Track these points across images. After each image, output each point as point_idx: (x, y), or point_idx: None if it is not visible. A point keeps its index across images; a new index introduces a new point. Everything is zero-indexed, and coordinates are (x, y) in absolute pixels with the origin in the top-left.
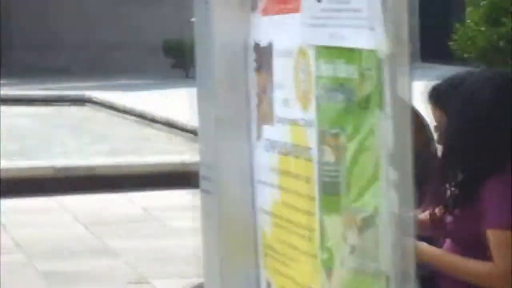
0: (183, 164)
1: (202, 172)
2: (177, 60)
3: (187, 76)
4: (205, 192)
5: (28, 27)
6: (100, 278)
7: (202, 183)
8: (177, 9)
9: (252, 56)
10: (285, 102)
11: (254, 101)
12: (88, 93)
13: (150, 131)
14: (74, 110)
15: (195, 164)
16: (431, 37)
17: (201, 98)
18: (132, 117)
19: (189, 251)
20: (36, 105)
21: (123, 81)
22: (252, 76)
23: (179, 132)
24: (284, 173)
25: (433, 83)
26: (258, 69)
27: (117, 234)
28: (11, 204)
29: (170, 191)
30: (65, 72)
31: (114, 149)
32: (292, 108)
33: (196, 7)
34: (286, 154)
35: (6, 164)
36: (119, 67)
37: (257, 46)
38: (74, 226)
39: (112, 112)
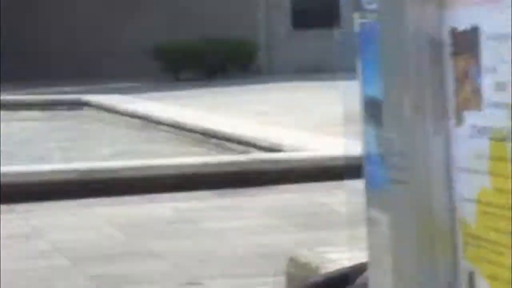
0: (206, 165)
1: (393, 162)
2: (167, 64)
3: (177, 79)
4: (397, 182)
5: (17, 33)
6: (150, 280)
7: (393, 173)
8: (167, 14)
9: (447, 41)
10: (499, 85)
11: (451, 87)
12: (86, 97)
13: (157, 134)
14: (71, 114)
15: (218, 164)
16: None
17: (389, 86)
18: (135, 120)
19: (231, 251)
20: (34, 109)
21: (113, 85)
22: (448, 61)
23: (187, 133)
24: (497, 159)
25: None
26: (456, 54)
27: (153, 236)
28: (40, 208)
29: (195, 192)
30: (54, 78)
31: (129, 151)
32: (509, 92)
33: None
34: (501, 139)
35: (29, 168)
36: (108, 72)
37: (454, 31)
38: (109, 229)
39: (114, 115)
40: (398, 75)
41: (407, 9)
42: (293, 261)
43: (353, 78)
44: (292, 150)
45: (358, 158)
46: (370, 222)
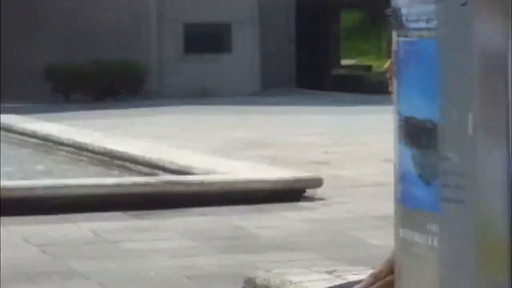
0: (120, 186)
1: (451, 181)
2: (58, 85)
3: (67, 101)
4: (455, 202)
5: None
6: None
7: (450, 192)
8: (60, 35)
9: None
10: None
11: None
12: None
13: (59, 154)
14: None
15: (132, 186)
16: None
17: (448, 105)
18: (34, 140)
19: (157, 273)
20: None
21: (6, 105)
22: None
23: (89, 154)
24: None
25: None
26: None
27: (74, 256)
28: None
29: (109, 213)
30: None
31: (36, 171)
32: None
33: (444, 8)
34: None
35: None
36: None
37: None
38: (28, 248)
39: (13, 135)
40: (461, 93)
41: (474, 27)
42: (250, 283)
43: (244, 102)
44: (203, 173)
45: (271, 182)
46: (405, 243)
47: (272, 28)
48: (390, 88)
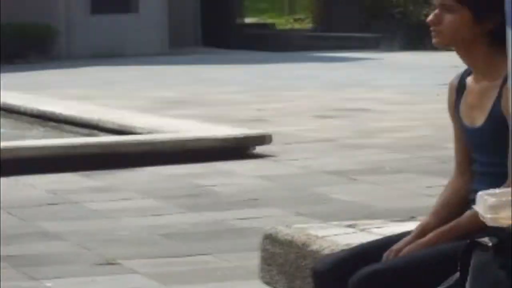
0: (73, 147)
1: None
2: None
3: None
4: None
5: None
6: (62, 261)
7: None
8: None
9: None
10: None
11: None
12: None
13: None
14: None
15: (85, 146)
16: None
17: None
18: None
19: (133, 232)
20: None
21: None
22: None
23: (21, 116)
24: None
25: None
26: None
27: (42, 217)
28: None
29: (61, 174)
30: None
31: None
32: None
33: None
34: None
35: None
36: None
37: None
38: None
39: None
40: None
41: None
42: (272, 238)
43: (154, 62)
44: (147, 133)
45: (220, 139)
46: None
47: None
48: (433, 40)
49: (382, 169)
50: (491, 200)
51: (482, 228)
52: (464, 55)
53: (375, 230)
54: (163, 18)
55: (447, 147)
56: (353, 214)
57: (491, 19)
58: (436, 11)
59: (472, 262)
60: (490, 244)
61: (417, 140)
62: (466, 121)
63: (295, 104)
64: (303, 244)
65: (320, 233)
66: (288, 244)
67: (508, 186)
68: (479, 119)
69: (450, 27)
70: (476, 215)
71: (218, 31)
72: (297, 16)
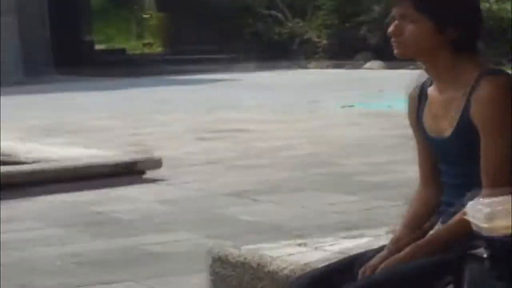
0: None
1: None
2: None
3: None
4: None
5: None
6: None
7: None
8: None
9: None
10: None
11: None
12: None
13: None
14: None
15: None
16: None
17: None
18: None
19: (47, 262)
20: None
21: None
22: None
23: None
24: None
25: None
26: None
27: None
28: None
29: None
30: None
31: None
32: None
33: None
34: None
35: None
36: None
37: None
38: None
39: None
40: None
41: None
42: (222, 261)
43: (13, 92)
44: (34, 161)
45: (111, 165)
46: None
47: (30, 15)
48: (395, 52)
49: (280, 188)
50: (487, 210)
51: (460, 240)
52: (427, 65)
53: (328, 247)
54: (16, 49)
55: (338, 163)
56: (266, 234)
57: (453, 28)
58: (396, 22)
59: (467, 275)
60: (485, 255)
61: (306, 157)
62: (432, 133)
63: (172, 127)
64: (258, 265)
65: (274, 253)
66: (241, 266)
67: (485, 196)
68: (446, 130)
69: (412, 38)
70: (453, 227)
71: (70, 59)
72: (146, 41)
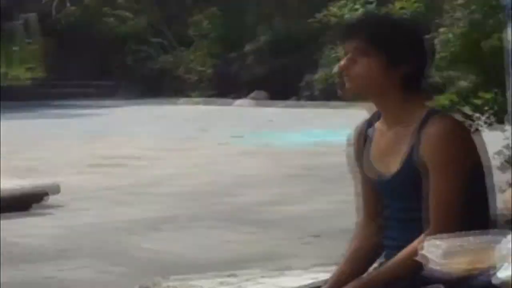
0: None
1: None
2: None
3: None
4: None
5: None
6: None
7: None
8: None
9: None
10: None
11: None
12: None
13: None
14: None
15: None
16: None
17: None
18: None
19: None
20: None
21: None
22: None
23: None
24: None
25: None
26: None
27: None
28: None
29: None
30: None
31: None
32: None
33: None
34: None
35: None
36: None
37: None
38: None
39: None
40: None
41: None
42: None
43: None
44: None
45: (7, 191)
46: None
47: None
48: (346, 85)
49: (182, 217)
50: (444, 246)
51: (404, 276)
52: (377, 101)
53: (260, 279)
54: None
55: (235, 194)
56: (173, 265)
57: (405, 64)
58: (349, 55)
59: None
60: None
61: (203, 187)
62: (379, 167)
63: (62, 154)
64: None
65: (204, 284)
66: None
67: (434, 232)
68: (394, 165)
69: (364, 71)
70: (401, 262)
71: None
72: (28, 65)
